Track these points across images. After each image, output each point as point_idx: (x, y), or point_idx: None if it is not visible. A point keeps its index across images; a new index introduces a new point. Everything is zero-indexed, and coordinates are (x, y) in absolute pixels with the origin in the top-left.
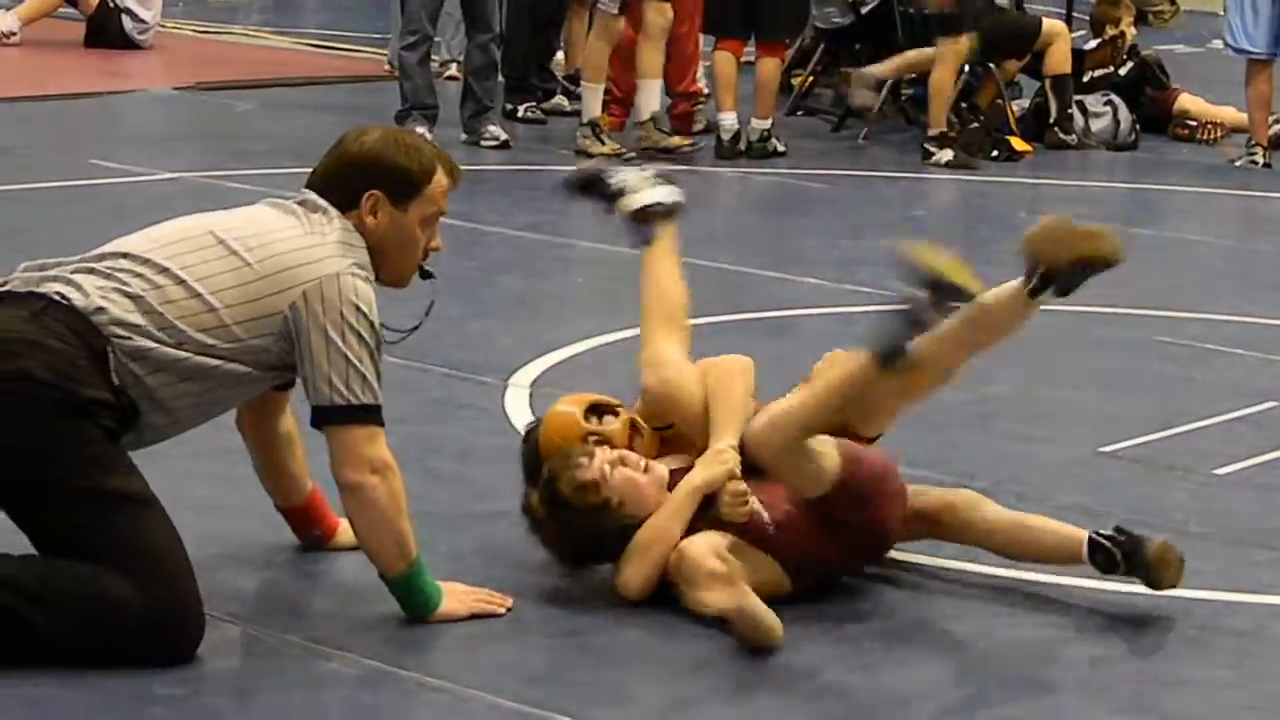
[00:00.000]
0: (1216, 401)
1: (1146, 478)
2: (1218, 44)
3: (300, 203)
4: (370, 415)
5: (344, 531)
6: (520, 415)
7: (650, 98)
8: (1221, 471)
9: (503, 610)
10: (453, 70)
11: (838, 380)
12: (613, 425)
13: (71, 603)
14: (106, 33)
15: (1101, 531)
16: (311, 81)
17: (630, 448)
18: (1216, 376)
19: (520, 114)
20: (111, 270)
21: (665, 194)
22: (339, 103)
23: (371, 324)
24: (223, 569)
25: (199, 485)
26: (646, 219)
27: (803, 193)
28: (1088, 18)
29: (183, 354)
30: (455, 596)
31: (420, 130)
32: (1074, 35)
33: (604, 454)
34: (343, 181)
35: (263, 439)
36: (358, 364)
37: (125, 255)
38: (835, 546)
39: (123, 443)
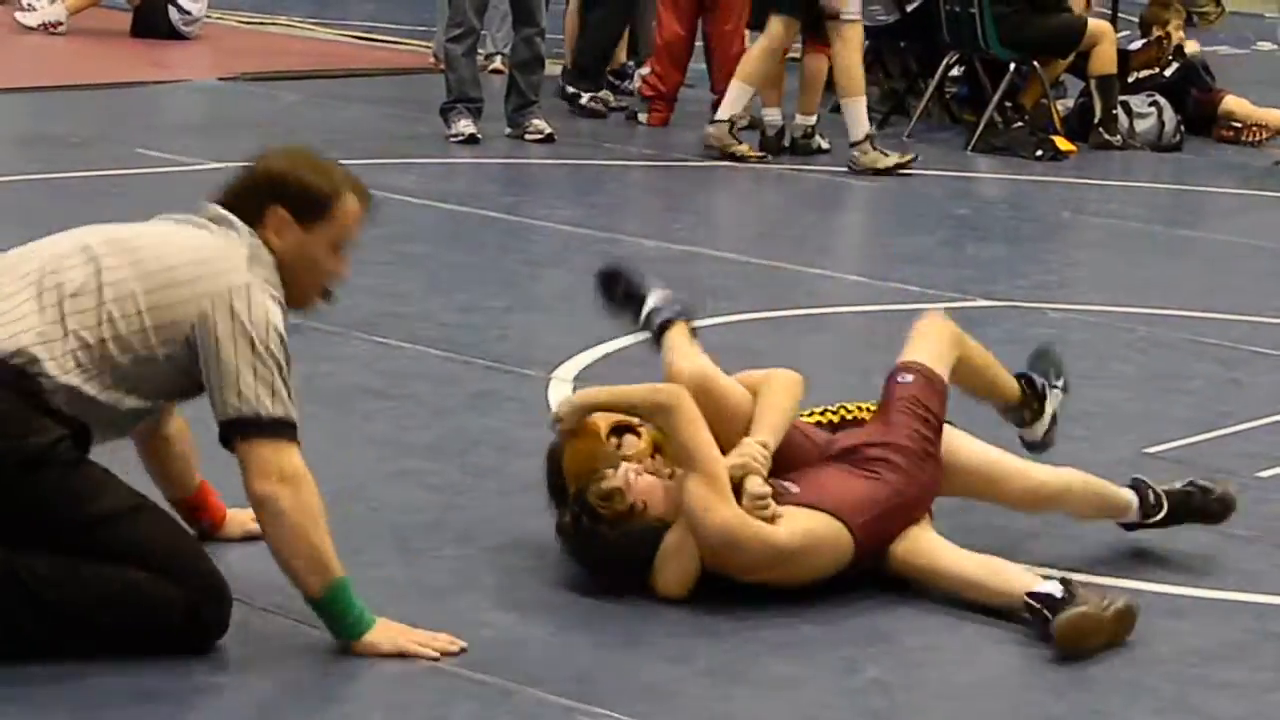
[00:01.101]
0: (1261, 404)
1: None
2: (1263, 45)
3: (209, 217)
4: (280, 429)
5: (232, 519)
6: None
7: (738, 102)
8: (1265, 474)
9: (436, 655)
10: (497, 64)
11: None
12: (635, 446)
13: (115, 605)
14: (153, 23)
15: (1035, 593)
16: (356, 73)
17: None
18: (1261, 379)
19: (585, 101)
20: (13, 298)
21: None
22: (384, 95)
23: (281, 337)
24: (265, 559)
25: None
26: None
27: (846, 189)
28: (1136, 19)
29: (103, 373)
30: (386, 631)
31: (465, 123)
32: (1119, 35)
33: (628, 464)
34: (248, 196)
35: (148, 431)
36: (266, 376)
37: (27, 275)
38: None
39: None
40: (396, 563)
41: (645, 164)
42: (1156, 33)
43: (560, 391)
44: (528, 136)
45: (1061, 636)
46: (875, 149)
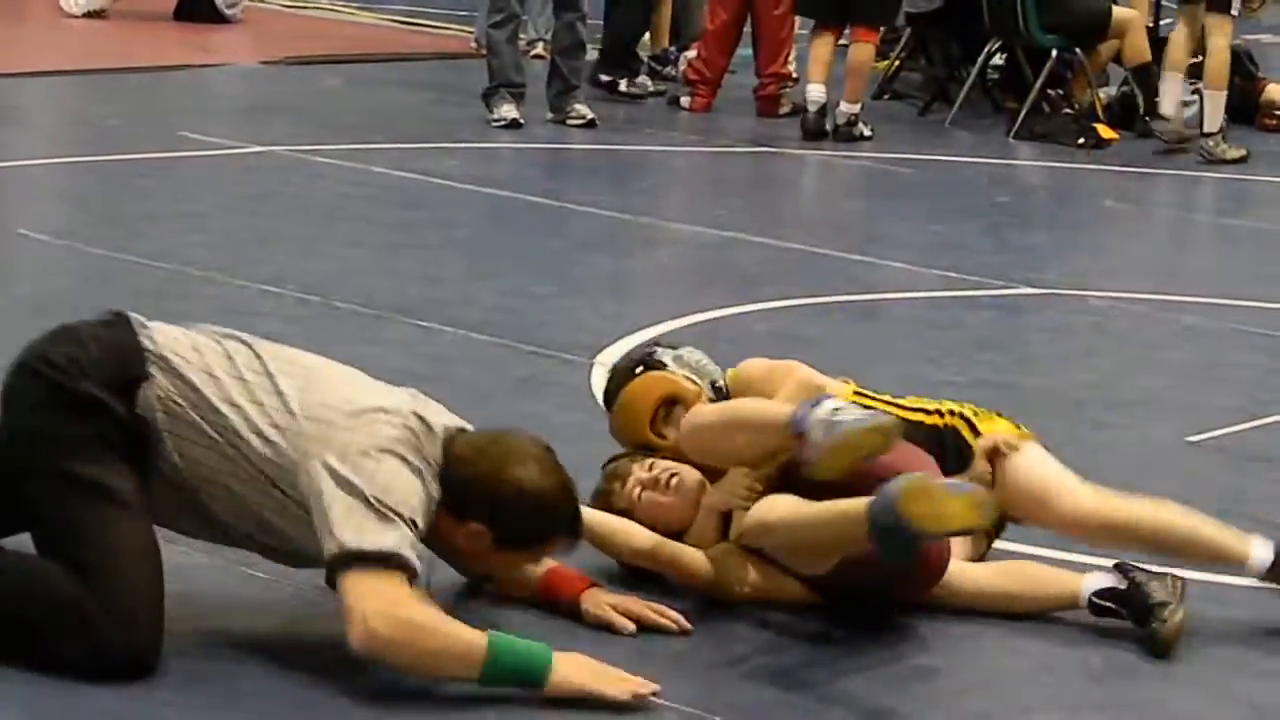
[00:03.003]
0: None
1: (1234, 468)
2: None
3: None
4: (380, 560)
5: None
6: None
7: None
8: None
9: (627, 698)
10: (539, 49)
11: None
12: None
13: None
14: (196, 7)
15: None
16: (399, 58)
17: None
18: None
19: (623, 88)
20: (210, 342)
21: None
22: (425, 80)
23: (408, 503)
24: None
25: None
26: None
27: (889, 177)
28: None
29: (209, 428)
30: (574, 668)
31: (507, 108)
32: (1162, 24)
33: (636, 476)
34: (464, 494)
35: None
36: (373, 517)
37: (245, 343)
38: (867, 575)
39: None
40: None
41: (688, 149)
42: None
43: (603, 377)
44: (570, 121)
45: (1165, 643)
46: (1226, 142)
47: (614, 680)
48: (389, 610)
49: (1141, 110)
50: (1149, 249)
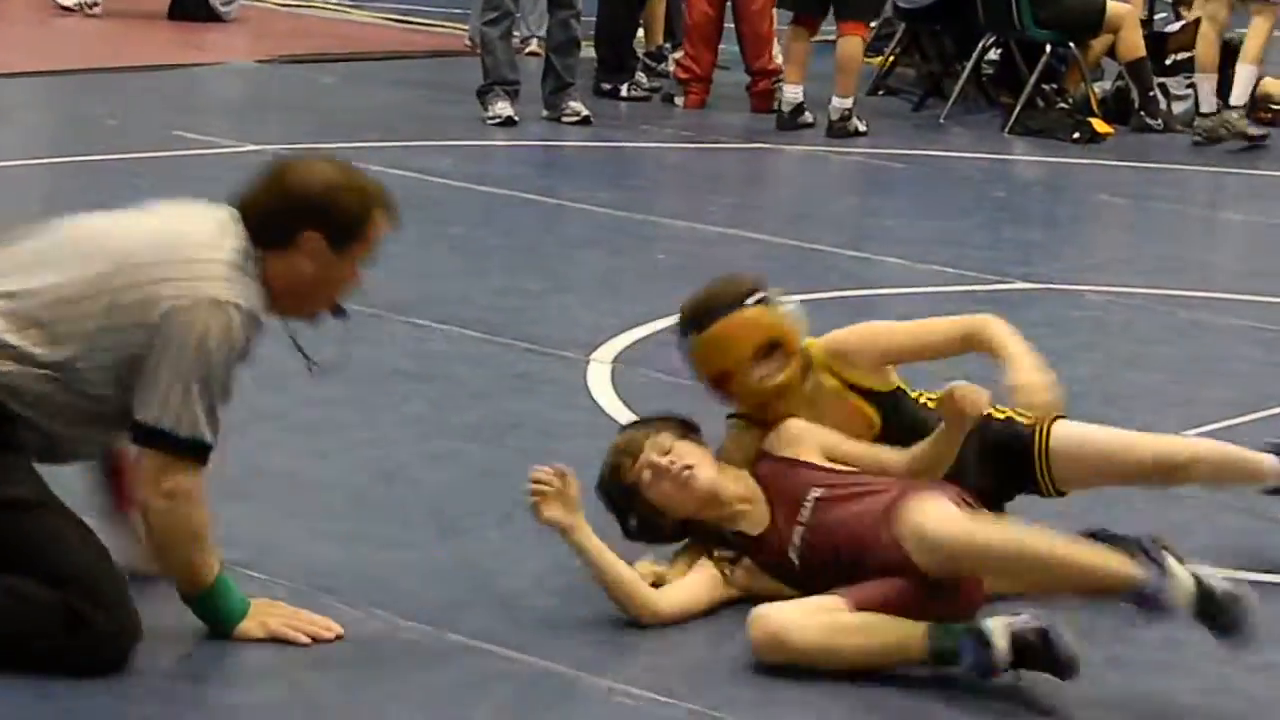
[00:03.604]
0: None
1: None
2: None
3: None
4: (190, 450)
5: None
6: (602, 391)
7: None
8: None
9: (307, 640)
10: (533, 46)
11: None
12: (779, 371)
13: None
14: (190, 6)
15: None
16: (393, 56)
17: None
18: None
19: (625, 93)
20: None
21: None
22: (420, 78)
23: (228, 366)
24: (306, 541)
25: (280, 456)
26: None
27: (884, 172)
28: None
29: (38, 351)
30: (260, 614)
31: (501, 106)
32: (1157, 18)
33: (649, 458)
34: (280, 219)
35: None
36: (204, 400)
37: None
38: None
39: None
40: (437, 545)
41: (682, 146)
42: (1187, 15)
43: (598, 374)
44: (564, 119)
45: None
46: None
47: (299, 624)
48: (188, 503)
49: (1136, 105)
50: (1145, 244)
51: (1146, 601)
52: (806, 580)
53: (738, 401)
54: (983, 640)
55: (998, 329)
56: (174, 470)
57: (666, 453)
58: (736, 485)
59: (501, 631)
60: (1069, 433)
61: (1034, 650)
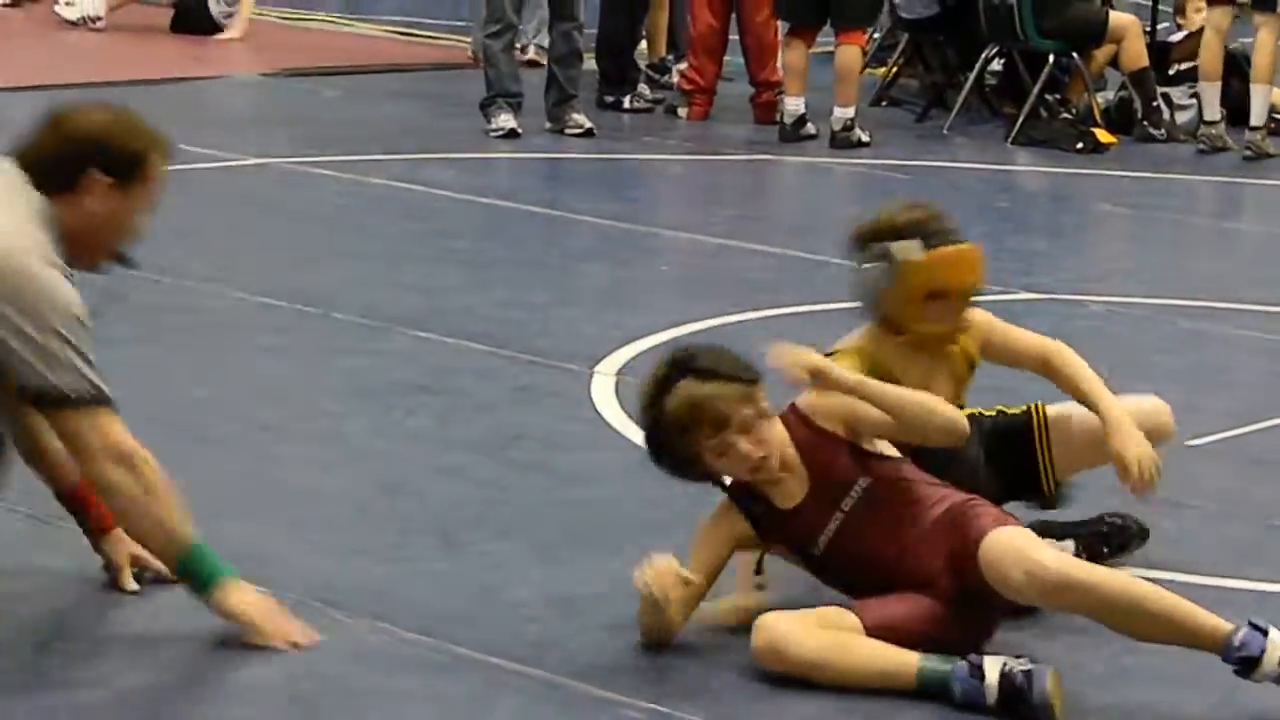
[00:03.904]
0: None
1: (1234, 472)
2: None
3: None
4: (97, 402)
5: (119, 539)
6: (606, 403)
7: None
8: None
9: (285, 647)
10: (531, 54)
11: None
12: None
13: None
14: (192, 19)
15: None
16: (396, 69)
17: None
18: None
19: (628, 105)
20: None
21: None
22: (423, 90)
23: (79, 313)
24: (309, 554)
25: (283, 469)
26: None
27: (887, 183)
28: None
29: None
30: (242, 595)
31: (504, 118)
32: (1160, 27)
33: (743, 448)
34: (62, 160)
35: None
36: (71, 350)
37: None
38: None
39: None
40: (442, 557)
41: (685, 157)
42: (1184, 24)
43: (602, 386)
44: (568, 131)
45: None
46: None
47: (279, 623)
48: (139, 459)
49: (1139, 115)
50: (1147, 253)
51: (1233, 657)
52: (823, 568)
53: (909, 322)
54: (977, 672)
55: (1078, 368)
56: (105, 432)
57: (748, 431)
58: (784, 452)
59: (506, 644)
60: (1060, 410)
61: (1017, 694)
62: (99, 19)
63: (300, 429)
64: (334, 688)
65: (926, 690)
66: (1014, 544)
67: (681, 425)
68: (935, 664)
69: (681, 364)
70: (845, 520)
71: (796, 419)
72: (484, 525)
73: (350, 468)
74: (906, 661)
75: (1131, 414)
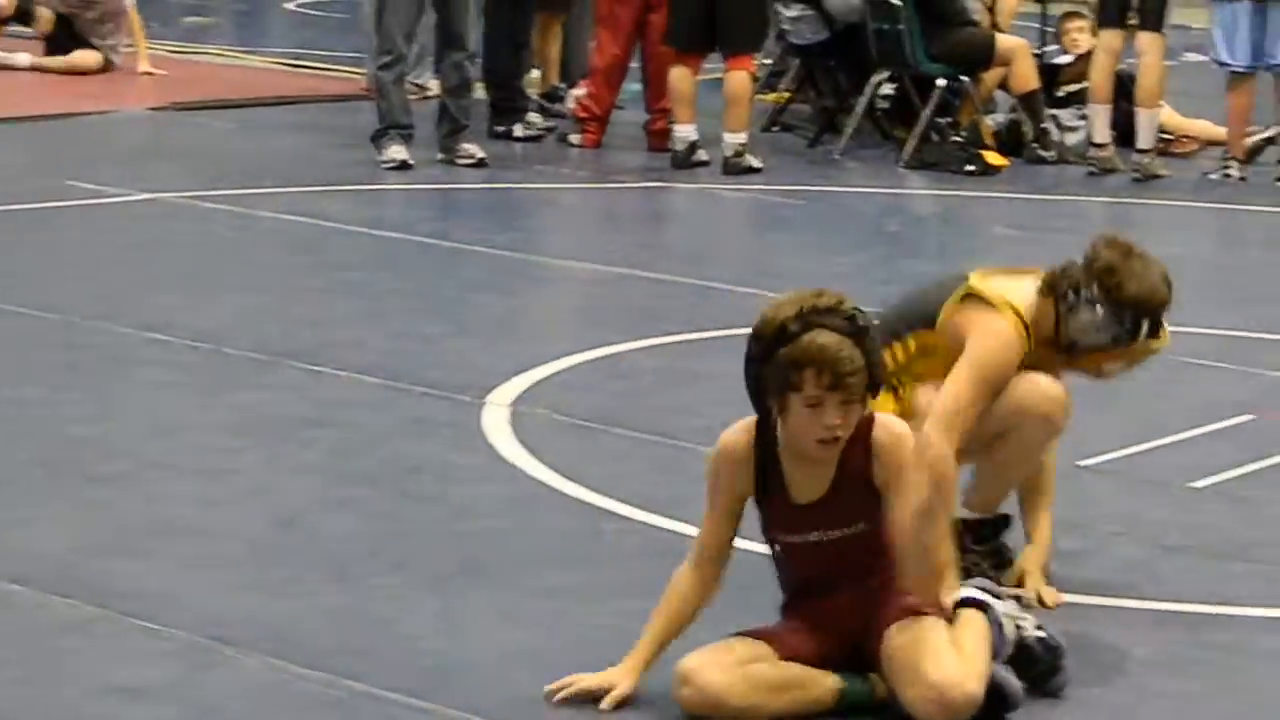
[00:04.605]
0: (1194, 415)
1: (1125, 491)
2: (1190, 57)
3: None
4: None
5: None
6: (499, 434)
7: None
8: (1199, 484)
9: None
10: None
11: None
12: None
13: None
14: (65, 52)
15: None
16: (287, 101)
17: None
18: (1195, 390)
19: (518, 133)
20: None
21: None
22: (314, 123)
23: None
24: (203, 592)
25: (175, 506)
26: None
27: (780, 208)
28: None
29: None
30: None
31: (396, 149)
32: (1048, 49)
33: (827, 420)
34: None
35: None
36: None
37: None
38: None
39: None
40: (336, 591)
41: (577, 186)
42: (1069, 49)
43: (495, 417)
44: (459, 161)
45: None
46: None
47: None
48: None
49: (1029, 137)
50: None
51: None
52: (781, 558)
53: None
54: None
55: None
56: None
57: (844, 407)
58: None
59: (401, 678)
60: None
61: None
62: None
63: (191, 465)
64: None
65: (854, 700)
66: (912, 652)
67: (802, 359)
68: (857, 684)
69: (850, 317)
70: (829, 543)
71: (864, 427)
72: (378, 559)
73: (243, 503)
74: (829, 684)
75: (1028, 390)
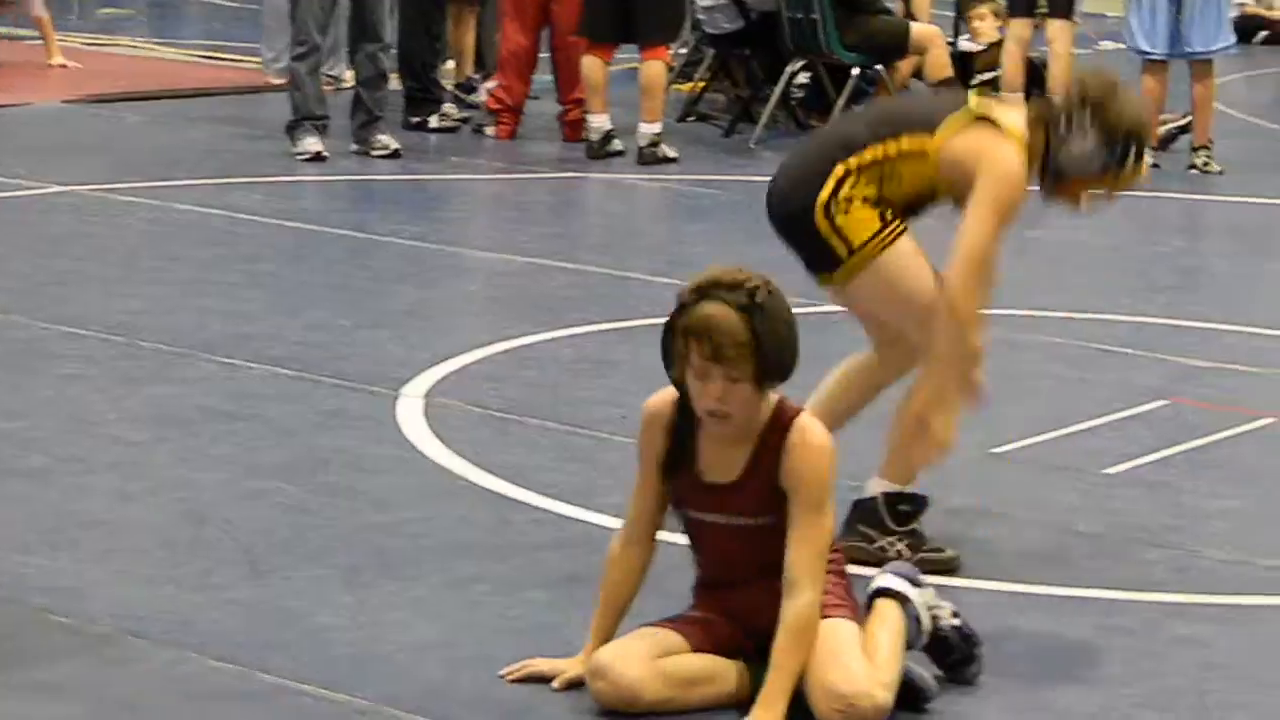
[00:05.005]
0: (1107, 401)
1: (1037, 478)
2: (1107, 45)
3: None
4: None
5: None
6: (412, 426)
7: None
8: (1112, 471)
9: None
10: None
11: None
12: None
13: None
14: None
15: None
16: (201, 93)
17: None
18: (1107, 376)
19: (433, 124)
20: None
21: None
22: (229, 114)
23: None
24: (116, 585)
25: (88, 500)
26: None
27: (695, 198)
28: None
29: None
30: None
31: (310, 141)
32: (961, 38)
33: (709, 394)
34: None
35: None
36: None
37: None
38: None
39: None
40: (249, 584)
41: (493, 177)
42: (975, 37)
43: (409, 409)
44: (374, 153)
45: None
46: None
47: None
48: None
49: None
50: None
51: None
52: (692, 533)
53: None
54: None
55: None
56: None
57: (730, 384)
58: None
59: (315, 670)
60: None
61: None
62: None
63: (105, 459)
64: (142, 718)
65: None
66: (821, 659)
67: (689, 328)
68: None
69: (750, 293)
70: (735, 529)
71: (784, 424)
72: (291, 551)
73: (156, 496)
74: (741, 679)
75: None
